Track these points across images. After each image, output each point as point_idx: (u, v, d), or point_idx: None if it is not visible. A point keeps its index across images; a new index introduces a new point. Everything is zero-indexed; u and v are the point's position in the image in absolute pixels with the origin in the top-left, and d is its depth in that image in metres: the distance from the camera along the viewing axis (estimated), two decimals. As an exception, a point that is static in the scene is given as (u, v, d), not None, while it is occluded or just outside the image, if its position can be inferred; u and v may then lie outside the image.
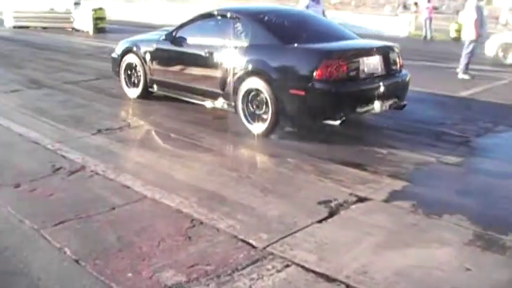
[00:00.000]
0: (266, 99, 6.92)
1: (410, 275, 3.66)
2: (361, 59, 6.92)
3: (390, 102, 7.18)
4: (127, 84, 9.42)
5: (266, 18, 7.60)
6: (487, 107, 9.67)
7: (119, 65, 9.47)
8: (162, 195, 4.96)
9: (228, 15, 7.85)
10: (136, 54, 9.05)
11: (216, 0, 32.57)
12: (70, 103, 9.00)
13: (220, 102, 7.67)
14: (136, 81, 9.22)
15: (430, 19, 24.99)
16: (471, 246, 4.12)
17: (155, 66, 8.79)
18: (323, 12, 12.88)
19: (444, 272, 3.73)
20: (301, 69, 6.74)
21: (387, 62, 7.33)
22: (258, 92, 7.05)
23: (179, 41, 8.36)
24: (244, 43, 7.37)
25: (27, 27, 24.68)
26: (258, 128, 7.08)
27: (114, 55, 9.72)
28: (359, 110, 6.89)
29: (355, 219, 4.56)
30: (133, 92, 9.28)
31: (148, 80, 8.94)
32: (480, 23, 12.51)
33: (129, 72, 9.34)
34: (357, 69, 6.84)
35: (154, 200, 4.86)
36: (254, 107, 7.17)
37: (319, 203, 4.83)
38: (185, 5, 30.81)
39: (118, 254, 3.87)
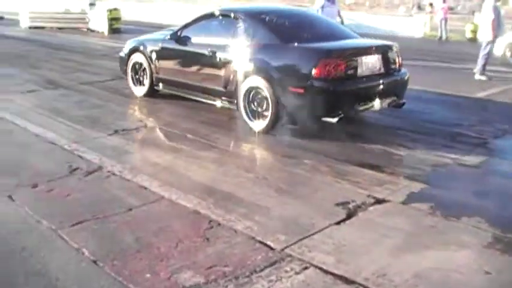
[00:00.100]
0: (266, 97, 7.07)
1: (429, 278, 3.63)
2: (359, 58, 7.03)
3: (389, 100, 7.32)
4: (134, 83, 9.61)
5: (267, 18, 7.75)
6: (505, 108, 9.59)
7: (126, 64, 9.66)
8: (179, 196, 4.95)
9: (231, 15, 8.03)
10: (143, 53, 9.24)
11: (227, 1, 32.65)
12: (86, 103, 9.04)
13: (223, 101, 7.87)
14: (142, 80, 9.40)
15: (446, 19, 24.81)
16: (490, 249, 4.07)
17: (161, 64, 8.98)
18: (338, 13, 12.85)
19: (463, 275, 3.69)
20: (301, 67, 6.87)
21: (386, 60, 7.44)
22: (258, 90, 7.19)
23: (184, 40, 8.54)
24: (246, 42, 7.52)
25: (43, 27, 24.83)
26: (258, 125, 7.24)
27: (121, 54, 9.93)
28: (357, 108, 7.02)
29: (373, 221, 4.53)
30: (140, 90, 9.46)
31: (154, 79, 9.12)
32: (497, 23, 12.40)
33: (136, 70, 9.51)
34: (355, 67, 6.96)
35: (171, 201, 4.85)
36: (255, 104, 7.31)
37: (337, 204, 4.80)
38: (199, 6, 30.85)
39: (136, 254, 3.87)
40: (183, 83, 8.61)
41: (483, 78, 12.42)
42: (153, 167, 5.81)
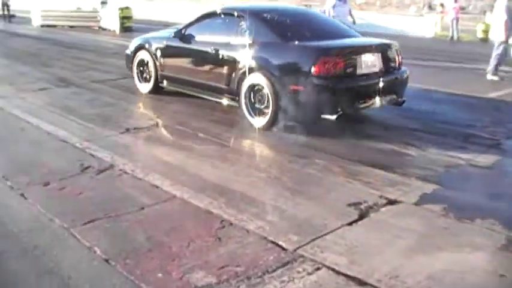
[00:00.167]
0: (267, 94, 7.19)
1: (442, 280, 3.60)
2: (358, 56, 7.15)
3: (388, 98, 7.41)
4: (139, 80, 9.77)
5: (268, 16, 7.89)
6: (518, 109, 9.52)
7: (132, 61, 9.85)
8: (191, 195, 4.95)
9: (233, 13, 8.14)
10: (148, 51, 9.41)
11: (239, 1, 32.59)
12: (97, 102, 9.06)
13: (226, 98, 8.03)
14: (148, 77, 9.56)
15: (457, 19, 24.67)
16: (505, 251, 4.04)
17: (165, 62, 9.14)
18: (349, 12, 12.82)
19: (477, 277, 3.67)
20: (300, 65, 6.99)
21: (386, 59, 7.54)
22: (260, 87, 7.32)
23: (187, 38, 8.69)
24: (248, 40, 7.56)
25: (55, 26, 24.93)
26: (259, 121, 7.37)
27: (127, 52, 10.09)
28: (356, 105, 7.10)
29: (385, 222, 4.50)
30: (145, 87, 9.62)
31: (158, 76, 9.30)
32: (510, 23, 12.32)
33: (141, 68, 9.68)
34: (355, 66, 7.07)
35: (183, 200, 4.85)
36: (256, 101, 7.44)
37: (349, 205, 4.78)
38: (211, 5, 30.86)
39: (148, 254, 3.87)
40: (186, 80, 8.77)
41: (495, 78, 12.34)
42: (164, 166, 5.81)
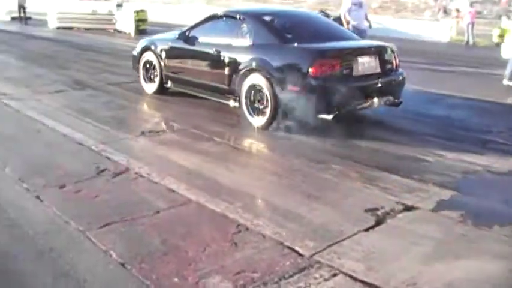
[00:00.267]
0: (266, 94, 7.37)
1: (460, 288, 3.57)
2: (355, 58, 7.38)
3: (385, 99, 7.61)
4: (145, 80, 9.98)
5: (268, 19, 8.22)
6: (535, 114, 9.43)
7: (138, 62, 10.07)
8: (207, 199, 4.92)
9: (235, 16, 8.45)
10: (154, 52, 9.63)
11: (250, 4, 32.62)
12: (113, 104, 9.09)
13: (229, 99, 8.20)
14: (153, 78, 9.77)
15: (473, 24, 24.53)
16: (524, 259, 4.00)
17: (169, 63, 9.35)
18: (366, 16, 12.74)
19: (496, 286, 3.62)
20: (298, 66, 7.17)
21: (383, 61, 7.76)
22: (259, 87, 7.51)
23: (191, 40, 8.91)
24: (249, 42, 7.87)
25: (71, 28, 25.07)
26: (258, 121, 7.56)
27: (134, 53, 10.31)
28: (353, 106, 7.32)
29: (402, 228, 4.46)
30: (151, 88, 9.83)
31: (163, 76, 9.50)
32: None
33: (147, 68, 9.89)
34: (351, 67, 7.30)
35: (199, 204, 4.83)
36: (256, 101, 7.63)
37: (366, 210, 4.73)
38: (223, 8, 30.88)
39: (164, 258, 3.86)
40: (190, 80, 8.99)
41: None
42: (180, 170, 5.79)
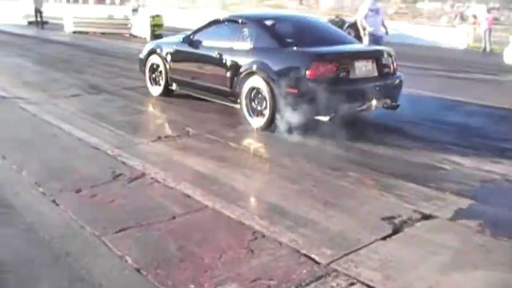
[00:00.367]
0: (265, 96, 7.57)
1: (479, 299, 3.52)
2: (352, 62, 7.58)
3: (382, 102, 7.76)
4: (151, 83, 10.23)
5: (269, 23, 8.38)
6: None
7: (145, 65, 10.30)
8: (223, 205, 4.90)
9: (237, 20, 8.69)
10: (159, 55, 9.87)
11: (265, 10, 32.61)
12: (129, 109, 9.11)
13: (230, 101, 8.45)
14: (158, 80, 10.03)
15: (490, 30, 24.36)
16: (543, 270, 3.94)
17: (174, 66, 9.60)
18: (382, 22, 12.68)
19: (515, 297, 3.58)
20: (296, 69, 7.35)
21: (380, 65, 7.93)
22: (259, 90, 7.72)
23: (195, 44, 9.14)
24: (249, 46, 8.10)
25: (86, 32, 25.22)
26: (257, 122, 7.78)
27: (141, 56, 10.54)
28: (350, 108, 7.47)
29: (420, 237, 4.41)
30: (156, 90, 10.07)
31: (168, 79, 9.74)
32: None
33: (153, 71, 10.15)
34: (348, 70, 7.48)
35: (215, 210, 4.81)
36: (255, 103, 7.84)
37: (383, 219, 4.69)
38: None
39: (180, 264, 3.84)
40: (193, 83, 9.20)
41: (530, 91, 12.13)
42: (196, 175, 5.78)
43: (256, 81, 7.73)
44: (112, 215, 4.68)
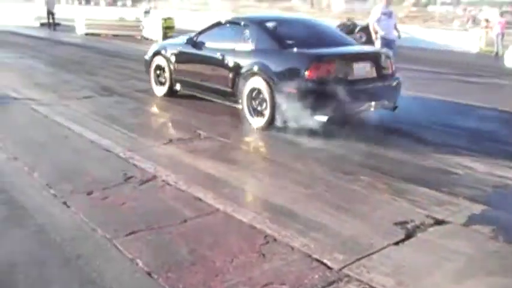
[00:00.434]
0: (266, 96, 7.75)
1: (493, 306, 3.48)
2: (350, 63, 7.73)
3: (381, 103, 7.97)
4: (156, 83, 10.42)
5: (271, 25, 8.49)
6: None
7: (150, 66, 10.51)
8: (234, 208, 4.88)
9: (239, 22, 8.91)
10: (164, 56, 10.08)
11: (276, 12, 32.58)
12: (141, 111, 9.14)
13: (230, 101, 8.64)
14: (163, 81, 10.21)
15: (503, 34, 24.20)
16: (558, 277, 3.89)
17: (178, 67, 9.81)
18: (395, 26, 12.63)
19: (530, 304, 3.53)
20: (295, 70, 7.55)
21: (378, 66, 8.06)
22: (259, 90, 7.89)
23: (198, 45, 9.34)
24: (251, 47, 8.29)
25: (98, 34, 25.30)
26: (258, 122, 7.96)
27: (146, 57, 10.73)
28: (348, 108, 7.58)
29: (433, 242, 4.37)
30: (161, 90, 10.27)
31: (172, 80, 9.94)
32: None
33: (157, 72, 10.34)
34: (346, 71, 7.62)
35: (227, 214, 4.78)
36: (256, 103, 8.01)
37: (395, 223, 4.64)
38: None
39: (191, 268, 3.82)
40: (197, 83, 9.39)
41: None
42: (207, 178, 5.76)
43: (257, 82, 7.89)
44: (123, 218, 4.67)
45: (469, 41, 25.97)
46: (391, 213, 4.91)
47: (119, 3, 54.57)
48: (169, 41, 10.96)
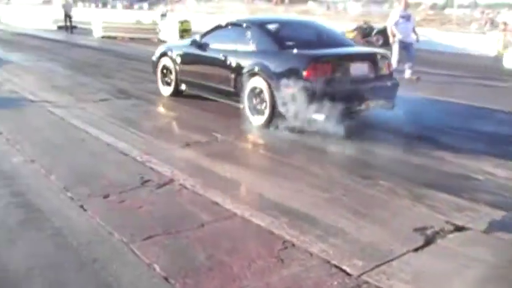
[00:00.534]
0: (266, 95, 7.98)
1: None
2: (348, 63, 7.98)
3: (378, 103, 8.09)
4: (162, 83, 10.71)
5: (270, 27, 8.87)
6: None
7: (156, 67, 10.82)
8: (252, 213, 4.84)
9: (241, 24, 9.13)
10: (170, 57, 10.38)
11: (292, 16, 32.52)
12: (157, 114, 9.16)
13: (233, 100, 8.82)
14: (169, 81, 10.49)
15: (521, 38, 24.01)
16: None
17: (183, 67, 10.10)
18: (413, 29, 12.56)
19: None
20: (294, 70, 7.72)
21: (376, 67, 8.24)
22: (259, 89, 8.12)
23: (202, 46, 9.60)
24: (252, 48, 8.56)
25: (115, 37, 25.39)
26: (258, 120, 8.19)
27: (153, 58, 11.03)
28: (346, 108, 7.57)
29: (453, 249, 4.30)
30: (167, 91, 10.56)
31: (178, 80, 10.21)
32: None
33: (164, 73, 10.64)
34: (344, 72, 7.84)
35: (244, 218, 4.74)
36: (257, 102, 8.25)
37: (415, 230, 4.57)
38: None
39: (208, 273, 3.78)
40: (201, 84, 9.64)
41: None
42: (225, 182, 5.72)
43: (258, 82, 8.13)
44: (140, 222, 4.65)
45: (486, 44, 25.69)
46: (411, 219, 4.84)
47: (136, 6, 54.76)
48: (175, 42, 11.21)
